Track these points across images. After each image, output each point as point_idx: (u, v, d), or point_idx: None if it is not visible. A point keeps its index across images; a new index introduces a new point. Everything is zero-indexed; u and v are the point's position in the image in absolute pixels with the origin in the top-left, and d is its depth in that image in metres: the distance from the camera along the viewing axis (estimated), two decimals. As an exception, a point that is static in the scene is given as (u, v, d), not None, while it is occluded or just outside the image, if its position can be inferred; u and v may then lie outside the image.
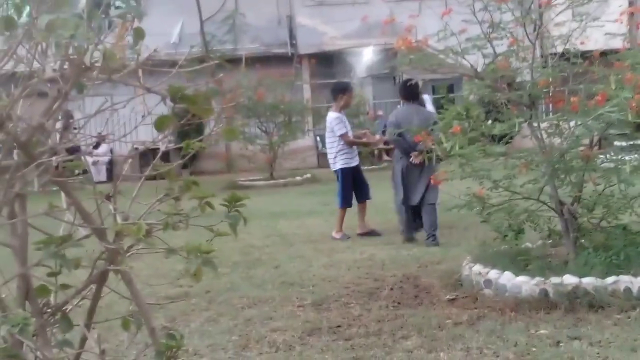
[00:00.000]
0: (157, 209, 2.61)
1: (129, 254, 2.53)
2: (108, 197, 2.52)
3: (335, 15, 23.71)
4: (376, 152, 21.04)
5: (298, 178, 18.65)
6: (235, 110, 19.12)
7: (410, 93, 9.41)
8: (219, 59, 19.70)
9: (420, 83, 9.78)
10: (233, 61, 21.68)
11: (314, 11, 24.65)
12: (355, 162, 10.30)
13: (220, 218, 2.62)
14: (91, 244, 2.46)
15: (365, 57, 23.70)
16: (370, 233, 9.94)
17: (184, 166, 20.78)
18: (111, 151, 21.82)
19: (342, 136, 10.02)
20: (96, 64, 2.25)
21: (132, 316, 2.73)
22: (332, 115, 10.23)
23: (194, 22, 22.65)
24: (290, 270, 7.95)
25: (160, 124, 2.34)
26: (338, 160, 10.14)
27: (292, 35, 25.12)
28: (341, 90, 10.41)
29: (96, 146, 20.67)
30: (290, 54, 24.60)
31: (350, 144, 10.12)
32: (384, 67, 19.89)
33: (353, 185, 10.16)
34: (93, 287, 2.58)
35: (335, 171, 10.23)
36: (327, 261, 8.36)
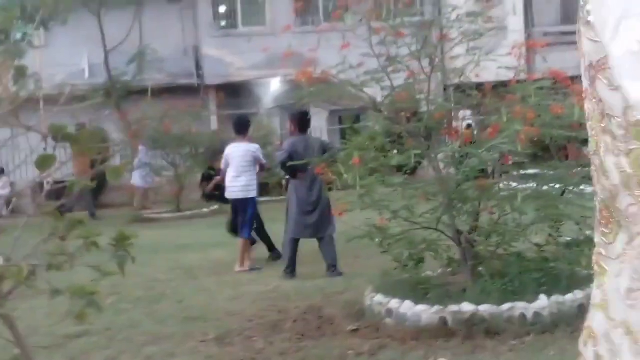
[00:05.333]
0: (42, 249, 2.57)
1: (10, 297, 2.48)
2: (-11, 239, 2.46)
3: (242, 46, 23.74)
4: (284, 182, 21.08)
5: (205, 210, 18.46)
6: (140, 142, 18.93)
7: (307, 124, 9.62)
8: (119, 89, 19.54)
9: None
10: (139, 92, 21.47)
11: (220, 42, 24.65)
12: None
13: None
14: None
15: (273, 88, 23.81)
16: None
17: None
18: (11, 185, 21.20)
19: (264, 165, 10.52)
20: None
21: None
22: (254, 146, 10.50)
23: (99, 52, 22.32)
24: (194, 305, 7.87)
25: (41, 164, 2.31)
26: (252, 189, 10.28)
27: (198, 66, 25.02)
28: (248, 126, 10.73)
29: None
30: (197, 85, 24.49)
31: None
32: (290, 98, 20.02)
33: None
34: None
35: (247, 200, 10.26)
36: (231, 294, 8.31)
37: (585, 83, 1.86)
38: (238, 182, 10.34)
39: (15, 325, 2.48)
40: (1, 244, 2.47)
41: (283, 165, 9.56)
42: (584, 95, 1.89)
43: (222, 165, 10.52)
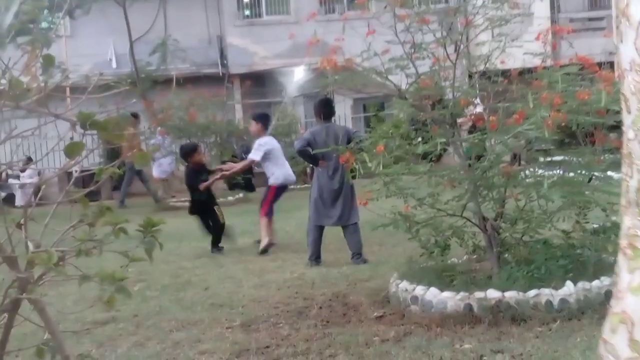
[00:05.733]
0: (71, 236, 2.60)
1: (40, 282, 2.51)
2: (19, 225, 2.49)
3: (266, 35, 23.81)
4: (308, 170, 21.09)
5: (230, 198, 18.53)
6: (166, 131, 19.02)
7: (330, 112, 9.58)
8: (145, 80, 19.68)
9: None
10: (164, 81, 21.60)
11: (244, 31, 24.71)
12: None
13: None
14: (2, 272, 2.43)
15: (297, 77, 23.81)
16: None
17: (115, 188, 20.51)
18: (39, 174, 21.44)
19: None
20: (3, 91, 2.25)
21: (47, 344, 2.69)
22: None
23: (124, 41, 22.47)
24: (220, 292, 7.92)
25: (70, 151, 2.34)
26: None
27: (223, 55, 25.10)
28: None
29: (23, 169, 20.33)
30: (221, 74, 24.58)
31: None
32: (315, 86, 20.01)
33: None
34: (5, 316, 2.55)
35: None
36: (257, 281, 8.36)
37: (634, 53, 1.80)
38: (290, 169, 11.03)
39: (46, 310, 2.52)
40: (30, 232, 2.51)
41: (300, 153, 9.59)
42: (628, 68, 1.82)
43: (260, 157, 10.65)
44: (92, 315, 6.92)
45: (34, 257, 2.38)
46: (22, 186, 20.67)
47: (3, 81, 2.28)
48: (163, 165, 19.20)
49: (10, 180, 21.11)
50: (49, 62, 2.37)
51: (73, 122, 2.33)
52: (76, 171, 2.75)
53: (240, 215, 13.82)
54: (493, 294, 5.99)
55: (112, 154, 17.80)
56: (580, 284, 6.06)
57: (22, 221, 2.51)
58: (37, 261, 2.39)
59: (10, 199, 20.07)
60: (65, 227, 2.58)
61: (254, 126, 11.11)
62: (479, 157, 6.75)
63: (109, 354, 5.78)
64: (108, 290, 2.46)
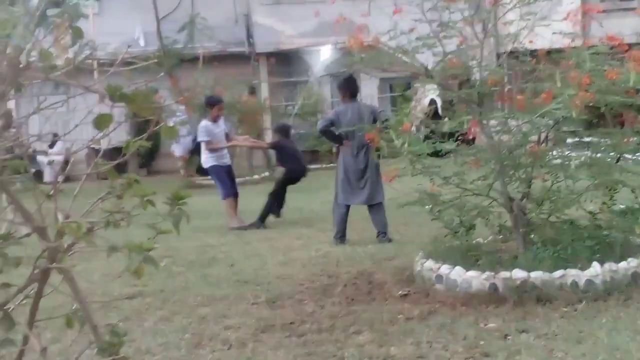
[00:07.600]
0: (100, 207, 2.62)
1: (70, 252, 2.54)
2: (49, 196, 2.52)
3: (292, 14, 23.71)
4: (334, 150, 21.07)
5: (256, 177, 18.60)
6: (192, 109, 19.09)
7: (355, 91, 9.56)
8: (172, 57, 19.72)
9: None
10: (191, 60, 21.63)
11: (270, 10, 24.63)
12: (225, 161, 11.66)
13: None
14: (33, 242, 2.47)
15: (323, 56, 23.73)
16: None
17: (142, 165, 20.63)
18: (66, 150, 21.59)
19: (205, 143, 11.44)
20: (33, 63, 2.26)
21: (76, 314, 2.72)
22: (201, 124, 11.72)
23: (152, 20, 22.49)
24: (245, 269, 7.97)
25: (99, 123, 2.36)
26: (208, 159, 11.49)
27: (249, 34, 25.06)
28: (212, 103, 11.87)
29: (51, 145, 20.51)
30: (247, 53, 24.55)
31: (211, 150, 11.41)
32: (341, 65, 19.94)
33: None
34: (35, 285, 2.58)
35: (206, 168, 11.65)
36: (282, 259, 8.40)
37: None
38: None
39: (74, 280, 2.54)
40: (59, 204, 2.54)
41: (322, 132, 9.59)
42: None
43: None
44: (119, 290, 7.01)
45: (64, 227, 2.41)
46: (50, 162, 20.85)
47: (33, 53, 2.30)
48: (184, 143, 19.32)
49: (38, 157, 21.28)
50: (78, 35, 2.38)
51: (102, 93, 2.35)
52: (105, 145, 2.77)
53: (264, 194, 13.86)
54: (518, 274, 5.98)
55: (139, 129, 17.87)
56: (607, 265, 6.02)
57: (51, 192, 2.54)
58: (66, 231, 2.41)
59: (38, 175, 20.26)
60: (94, 200, 2.61)
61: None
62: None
63: (136, 328, 5.84)
64: (136, 261, 2.47)
